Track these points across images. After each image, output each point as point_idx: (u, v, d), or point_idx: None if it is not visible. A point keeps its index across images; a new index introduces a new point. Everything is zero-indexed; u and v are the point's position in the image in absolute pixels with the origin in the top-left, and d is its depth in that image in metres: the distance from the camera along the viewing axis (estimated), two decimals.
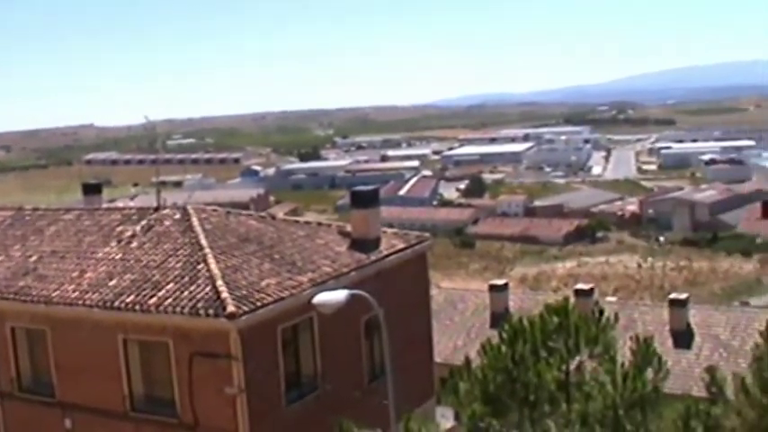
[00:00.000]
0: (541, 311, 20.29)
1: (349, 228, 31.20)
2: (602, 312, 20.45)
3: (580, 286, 47.84)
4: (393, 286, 28.83)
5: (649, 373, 20.26)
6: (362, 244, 29.98)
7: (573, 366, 20.23)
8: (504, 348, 20.08)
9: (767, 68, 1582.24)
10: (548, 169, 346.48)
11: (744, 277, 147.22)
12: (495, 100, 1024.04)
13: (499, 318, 43.14)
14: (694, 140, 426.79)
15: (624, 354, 20.77)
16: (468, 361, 21.11)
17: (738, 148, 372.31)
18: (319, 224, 33.13)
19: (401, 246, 31.18)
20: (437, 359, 36.85)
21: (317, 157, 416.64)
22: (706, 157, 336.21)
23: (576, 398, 19.95)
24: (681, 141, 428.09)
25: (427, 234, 34.30)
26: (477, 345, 21.80)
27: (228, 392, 23.37)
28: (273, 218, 33.77)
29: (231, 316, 22.85)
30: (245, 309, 23.27)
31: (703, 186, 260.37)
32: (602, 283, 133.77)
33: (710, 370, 21.90)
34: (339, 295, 19.79)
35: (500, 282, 52.79)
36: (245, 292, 24.06)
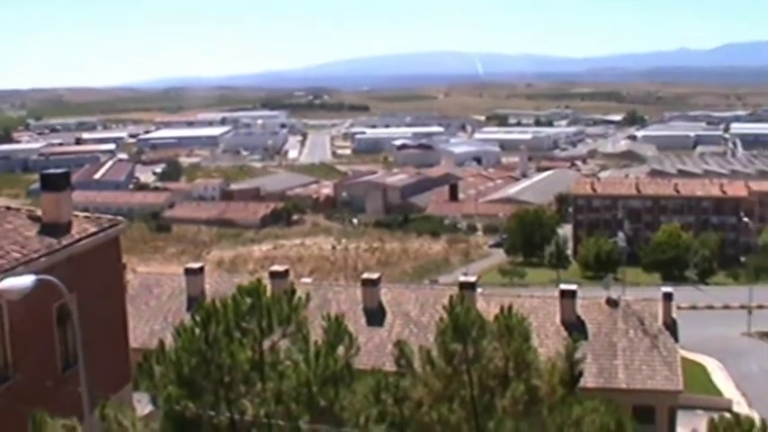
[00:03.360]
0: (234, 293, 20.48)
1: (39, 212, 30.25)
2: (294, 292, 20.85)
3: (275, 268, 48.55)
4: (85, 271, 28.22)
5: (341, 350, 20.80)
6: (53, 228, 29.10)
7: (267, 346, 20.52)
8: (197, 331, 20.10)
9: (456, 59, 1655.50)
10: (244, 153, 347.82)
11: (433, 257, 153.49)
12: (191, 83, 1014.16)
13: (195, 301, 43.07)
14: (387, 126, 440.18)
15: (318, 333, 21.27)
16: (162, 344, 20.97)
17: (428, 134, 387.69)
18: (8, 208, 31.83)
19: (93, 230, 30.50)
20: (133, 344, 36.35)
21: (9, 140, 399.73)
22: (398, 143, 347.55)
23: (271, 377, 20.24)
24: (374, 127, 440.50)
25: (120, 218, 33.71)
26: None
27: None
28: None
29: None
30: None
31: (395, 170, 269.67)
32: (298, 264, 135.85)
33: (399, 344, 22.78)
34: (25, 281, 19.20)
35: (196, 265, 52.60)
36: None
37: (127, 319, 34.28)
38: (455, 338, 21.36)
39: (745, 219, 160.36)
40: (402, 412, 21.24)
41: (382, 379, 21.52)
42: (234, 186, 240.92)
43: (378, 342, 43.71)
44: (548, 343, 41.04)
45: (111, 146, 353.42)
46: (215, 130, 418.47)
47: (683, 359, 52.62)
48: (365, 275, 50.07)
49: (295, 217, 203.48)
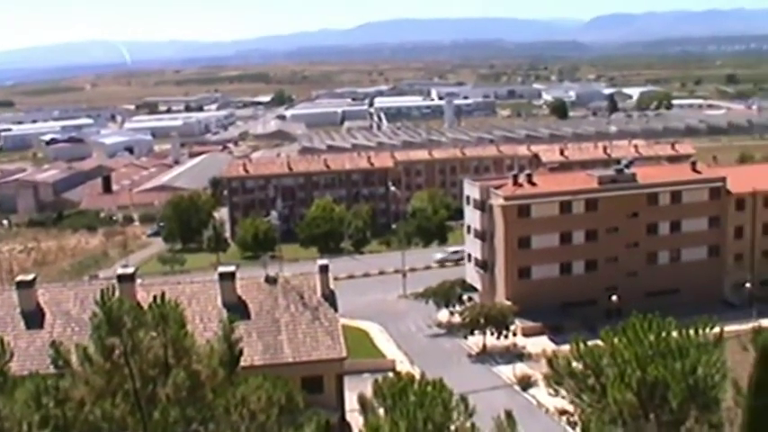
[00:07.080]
0: None
1: None
2: None
3: None
4: None
5: None
6: None
7: None
8: None
9: (102, 48, 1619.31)
10: None
11: (91, 252, 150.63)
12: None
13: None
14: (34, 121, 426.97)
15: None
16: None
17: (78, 127, 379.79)
18: None
19: None
20: None
21: None
22: (47, 137, 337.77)
23: None
24: (20, 123, 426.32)
25: None
26: None
27: None
28: None
29: None
30: None
31: (46, 166, 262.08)
32: None
33: (54, 345, 22.51)
34: None
35: None
36: None
37: None
38: (111, 332, 21.44)
39: (393, 188, 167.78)
40: (65, 414, 21.06)
41: (41, 382, 21.22)
42: None
43: (39, 345, 42.50)
44: (211, 326, 41.64)
45: None
46: None
47: (346, 327, 54.92)
48: (20, 278, 48.55)
49: None
